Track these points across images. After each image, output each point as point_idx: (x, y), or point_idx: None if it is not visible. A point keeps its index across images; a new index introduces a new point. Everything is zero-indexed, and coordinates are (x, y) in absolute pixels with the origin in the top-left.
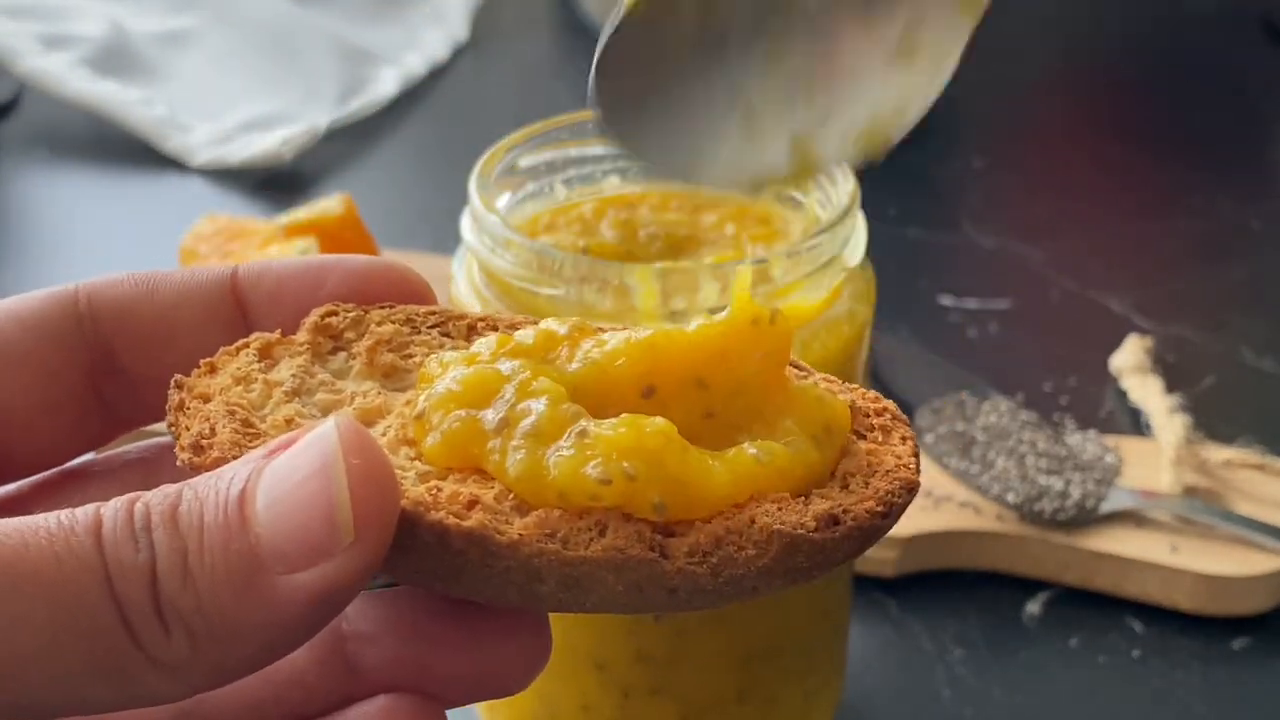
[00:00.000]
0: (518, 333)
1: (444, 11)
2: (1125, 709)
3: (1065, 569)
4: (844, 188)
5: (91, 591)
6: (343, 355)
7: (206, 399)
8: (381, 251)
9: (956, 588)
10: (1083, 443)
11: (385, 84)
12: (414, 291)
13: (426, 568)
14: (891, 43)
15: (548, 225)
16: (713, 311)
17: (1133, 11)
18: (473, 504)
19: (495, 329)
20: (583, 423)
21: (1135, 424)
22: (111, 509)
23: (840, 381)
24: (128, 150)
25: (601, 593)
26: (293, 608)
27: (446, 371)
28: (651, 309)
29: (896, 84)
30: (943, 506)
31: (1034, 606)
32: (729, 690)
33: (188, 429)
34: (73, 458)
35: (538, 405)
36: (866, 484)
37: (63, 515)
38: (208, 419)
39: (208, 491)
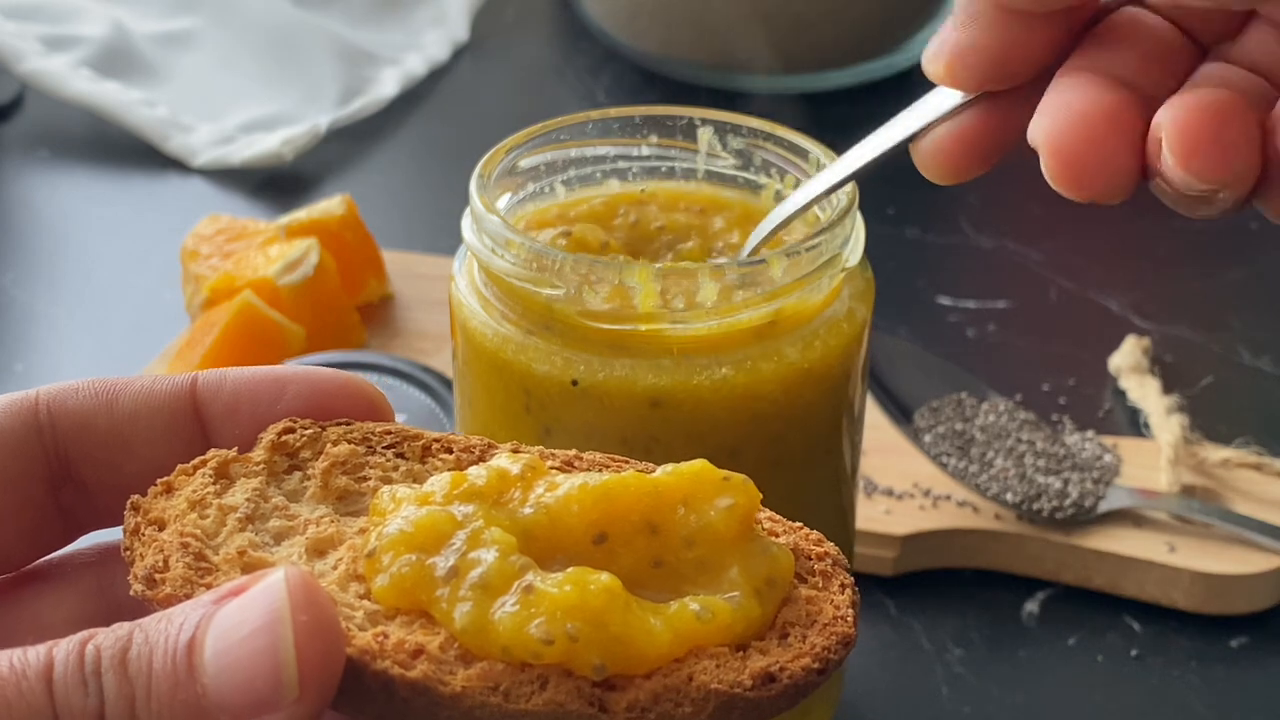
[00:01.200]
0: (471, 471)
1: (444, 12)
2: (1124, 708)
3: (1064, 568)
4: (843, 188)
5: None
6: (298, 475)
7: (161, 525)
8: (382, 251)
9: (955, 587)
10: (1081, 442)
11: (385, 84)
12: (371, 407)
13: (373, 712)
14: None
15: (557, 217)
16: (711, 313)
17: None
18: (418, 653)
19: (450, 451)
20: (530, 576)
21: (1133, 424)
22: (63, 651)
23: (784, 520)
24: (129, 151)
25: None
26: None
27: (399, 509)
28: (651, 309)
29: None
30: (941, 506)
31: (1032, 605)
32: None
33: (142, 558)
34: (28, 563)
35: (487, 556)
36: (804, 638)
37: (14, 656)
38: (161, 550)
39: (158, 637)
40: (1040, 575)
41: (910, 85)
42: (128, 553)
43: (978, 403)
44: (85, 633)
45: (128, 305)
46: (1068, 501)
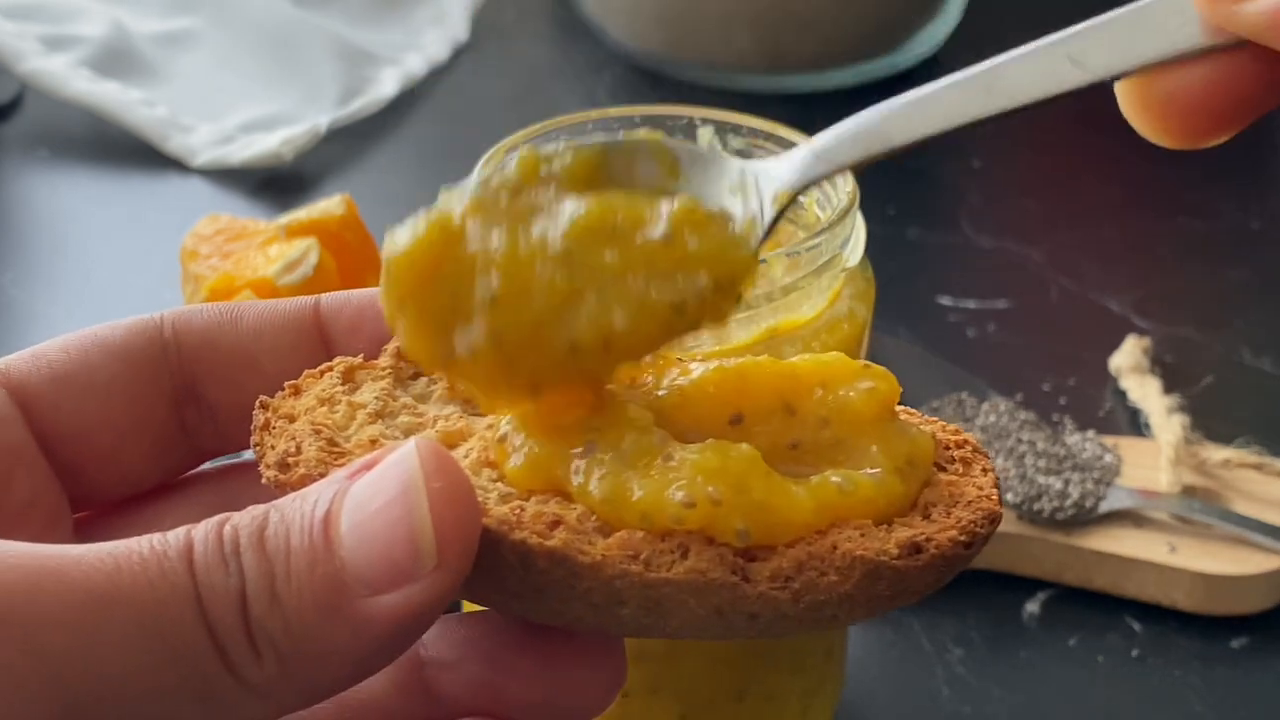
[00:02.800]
0: None
1: (444, 11)
2: (1124, 708)
3: (1064, 568)
4: (843, 188)
5: (185, 615)
6: (424, 380)
7: (292, 419)
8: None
9: (955, 587)
10: (1081, 442)
11: (385, 84)
12: None
13: (508, 588)
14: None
15: None
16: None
17: None
18: (556, 524)
19: None
20: (668, 447)
21: (1134, 424)
22: (202, 533)
23: (920, 414)
24: (129, 151)
25: (682, 616)
26: (378, 630)
27: None
28: None
29: None
30: None
31: (1033, 606)
32: (728, 688)
33: (273, 448)
34: (152, 485)
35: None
36: (949, 514)
37: (155, 540)
38: (293, 438)
39: (293, 514)
40: (1041, 575)
41: (910, 85)
42: (258, 448)
43: (978, 403)
44: (221, 515)
45: (127, 305)
46: (1068, 502)
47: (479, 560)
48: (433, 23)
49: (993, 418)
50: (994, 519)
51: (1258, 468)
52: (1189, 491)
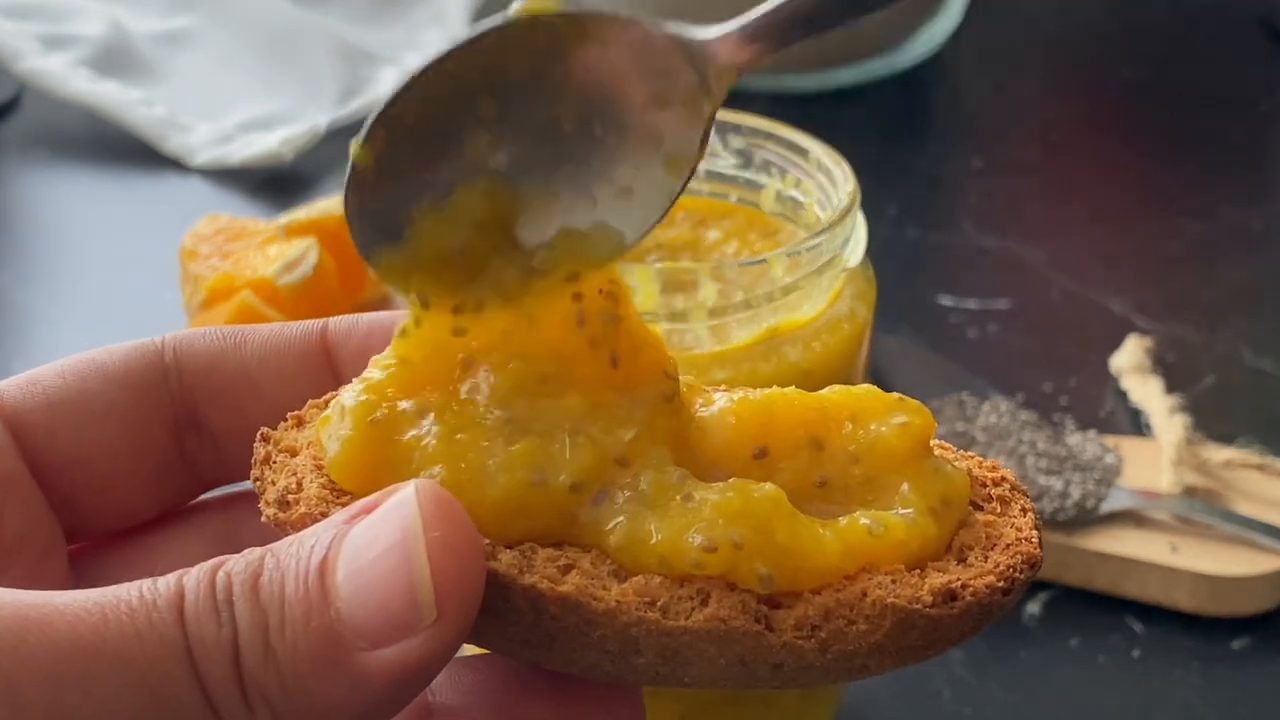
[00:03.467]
0: None
1: (443, 10)
2: (1125, 709)
3: (1065, 569)
4: (844, 188)
5: (174, 669)
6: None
7: (294, 453)
8: None
9: None
10: (1083, 443)
11: (385, 84)
12: None
13: (518, 635)
14: (614, 186)
15: None
16: (712, 313)
17: (1133, 12)
18: (569, 569)
19: None
20: (689, 486)
21: (1135, 424)
22: (194, 580)
23: (955, 449)
24: (128, 150)
25: (702, 666)
26: (376, 684)
27: None
28: (651, 309)
29: (620, 215)
30: None
31: (1034, 606)
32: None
33: (273, 484)
34: (153, 513)
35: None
36: (986, 558)
37: (144, 587)
38: (294, 473)
39: (289, 560)
40: (1042, 576)
41: (910, 85)
42: (258, 483)
43: (979, 403)
44: (216, 560)
45: (126, 305)
46: (1069, 502)
47: (487, 605)
48: (432, 22)
49: (994, 418)
50: (1034, 563)
51: (1259, 468)
52: (1190, 492)
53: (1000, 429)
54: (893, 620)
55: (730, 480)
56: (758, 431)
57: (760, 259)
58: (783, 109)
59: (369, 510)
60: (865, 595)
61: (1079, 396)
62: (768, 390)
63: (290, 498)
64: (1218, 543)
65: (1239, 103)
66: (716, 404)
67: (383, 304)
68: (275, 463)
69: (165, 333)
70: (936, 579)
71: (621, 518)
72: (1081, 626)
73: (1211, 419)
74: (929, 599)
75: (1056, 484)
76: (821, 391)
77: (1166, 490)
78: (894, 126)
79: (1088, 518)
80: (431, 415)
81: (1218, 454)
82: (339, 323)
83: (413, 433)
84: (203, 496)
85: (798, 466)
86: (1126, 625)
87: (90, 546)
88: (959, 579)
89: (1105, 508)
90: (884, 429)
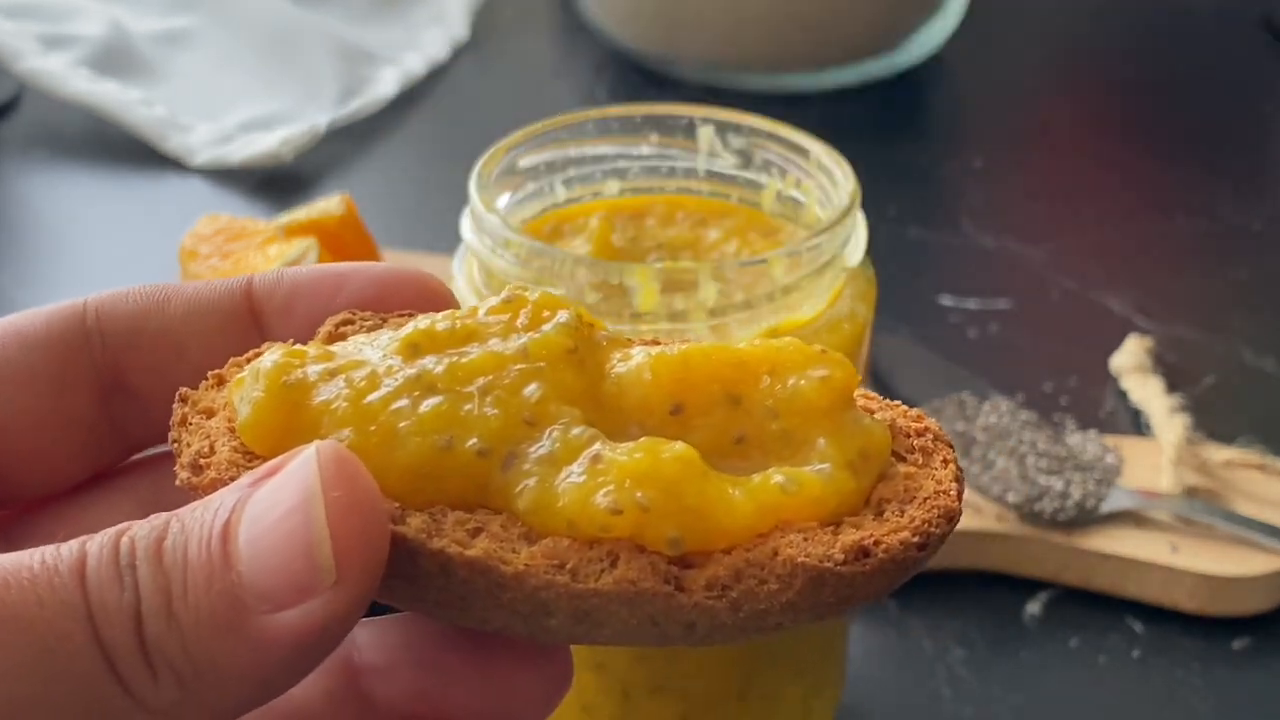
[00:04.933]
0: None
1: (444, 11)
2: (1125, 709)
3: (1065, 569)
4: (844, 188)
5: (75, 635)
6: None
7: (210, 414)
8: (381, 251)
9: (957, 588)
10: (1083, 443)
11: (385, 84)
12: (435, 298)
13: (432, 598)
14: None
15: (552, 232)
16: (712, 313)
17: (1133, 11)
18: (478, 532)
19: None
20: (597, 446)
21: (1135, 424)
22: (97, 545)
23: (880, 398)
24: (128, 150)
25: (615, 626)
26: (280, 648)
27: None
28: (652, 309)
29: None
30: None
31: (1034, 607)
32: (729, 689)
33: (188, 446)
34: (82, 479)
35: (553, 427)
36: (902, 512)
37: (47, 552)
38: (208, 436)
39: (194, 525)
40: (1042, 576)
41: (910, 85)
42: (175, 445)
43: (979, 403)
44: (121, 525)
45: None
46: (1070, 502)
47: (398, 569)
48: (432, 22)
49: (994, 418)
50: (951, 517)
51: (1260, 468)
52: (1190, 492)
53: (1000, 429)
54: (804, 579)
55: (640, 440)
56: (674, 387)
57: (760, 259)
58: (783, 109)
59: (272, 473)
60: (776, 554)
61: (1079, 396)
62: (686, 345)
63: (202, 461)
64: (1218, 543)
65: (1239, 103)
66: (633, 359)
67: None
68: (191, 424)
69: None
70: (850, 536)
71: (530, 480)
72: (1081, 626)
73: (1212, 419)
74: (841, 556)
75: (1056, 484)
76: (742, 345)
77: (1167, 490)
78: (894, 126)
79: (1088, 518)
80: (343, 378)
81: (1218, 454)
82: (264, 278)
83: (324, 395)
84: (134, 458)
85: (714, 423)
86: (1126, 625)
87: (18, 513)
88: (873, 535)
89: (1105, 508)
90: (802, 382)
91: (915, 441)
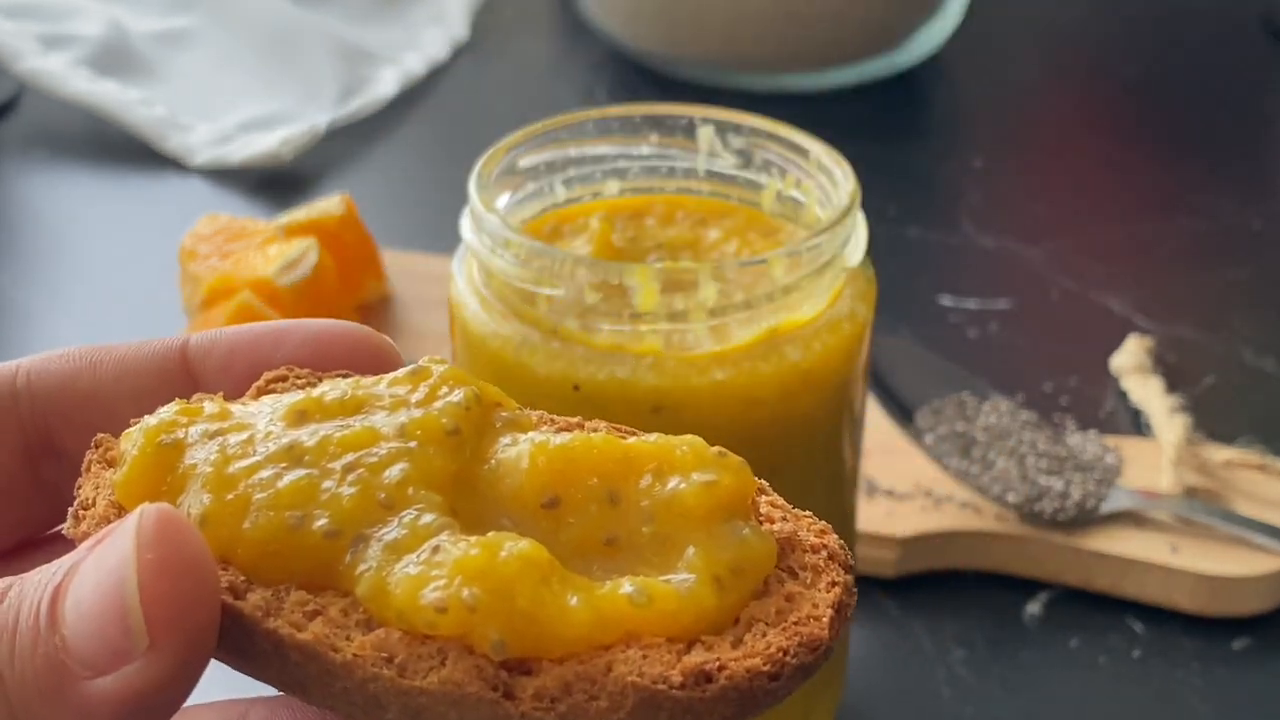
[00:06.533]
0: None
1: (443, 10)
2: (1126, 709)
3: (1065, 569)
4: (844, 188)
5: None
6: None
7: (111, 464)
8: (381, 251)
9: (957, 588)
10: (1083, 443)
11: (385, 84)
12: (376, 357)
13: (275, 677)
14: None
15: (551, 232)
16: (712, 313)
17: (1132, 12)
18: (315, 615)
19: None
20: (443, 536)
21: (1136, 424)
22: None
23: (789, 507)
24: (127, 150)
25: None
26: (101, 714)
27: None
28: (652, 309)
29: None
30: (943, 507)
31: (1034, 607)
32: None
33: (79, 494)
34: (10, 544)
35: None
36: (764, 635)
37: None
38: (98, 487)
39: (30, 588)
40: (1042, 576)
41: (910, 85)
42: (78, 491)
43: (979, 403)
44: None
45: (125, 305)
46: (1070, 502)
47: (238, 645)
48: (432, 22)
49: (994, 418)
50: (815, 647)
51: (1260, 468)
52: (1191, 492)
53: (1000, 429)
54: (635, 699)
55: (488, 535)
56: (551, 479)
57: (760, 259)
58: (783, 109)
59: (108, 535)
60: (610, 670)
61: (1079, 396)
62: (584, 433)
63: (81, 513)
64: (1218, 543)
65: (1239, 103)
66: (519, 445)
67: (382, 305)
68: (92, 472)
69: (165, 334)
70: (695, 657)
71: (369, 565)
72: (1081, 627)
73: (1212, 419)
74: (679, 679)
75: (1056, 484)
76: (644, 438)
77: (1167, 490)
78: (894, 126)
79: (1088, 518)
80: (218, 441)
81: (1218, 454)
82: (199, 339)
83: (194, 458)
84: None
85: (587, 520)
86: (1127, 625)
87: None
88: (719, 659)
89: (1105, 508)
90: (683, 486)
91: (809, 559)
